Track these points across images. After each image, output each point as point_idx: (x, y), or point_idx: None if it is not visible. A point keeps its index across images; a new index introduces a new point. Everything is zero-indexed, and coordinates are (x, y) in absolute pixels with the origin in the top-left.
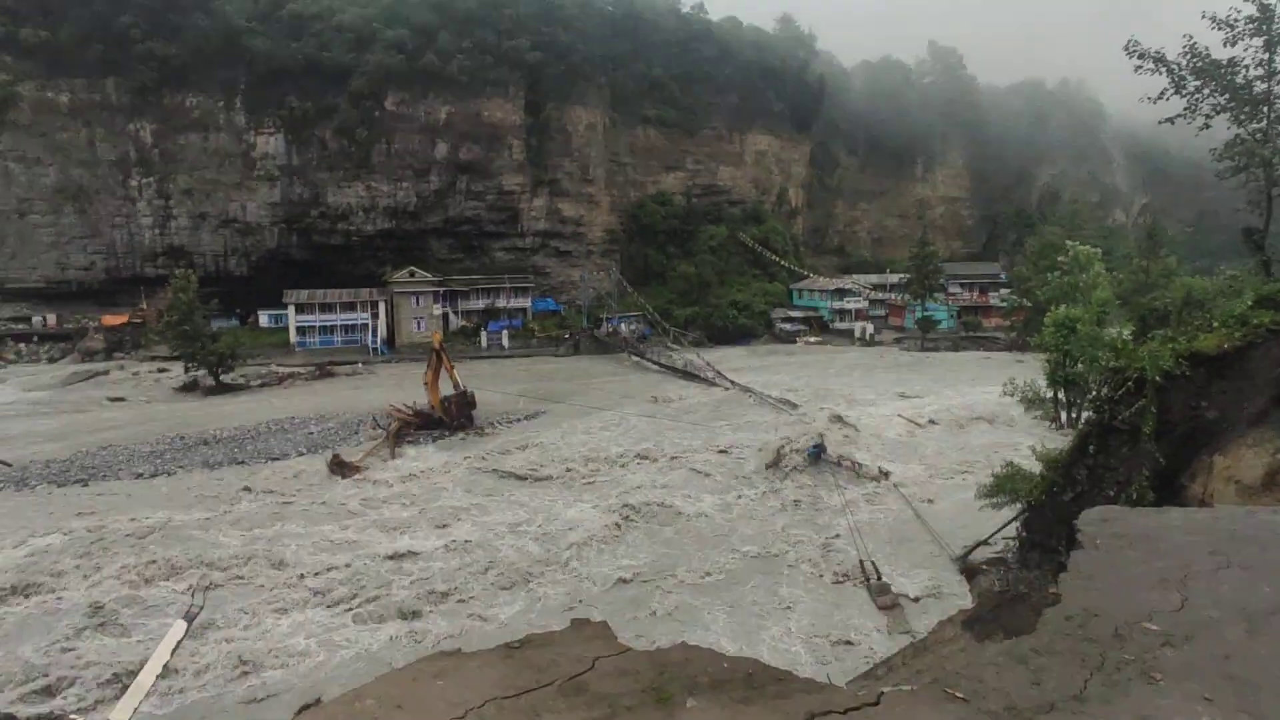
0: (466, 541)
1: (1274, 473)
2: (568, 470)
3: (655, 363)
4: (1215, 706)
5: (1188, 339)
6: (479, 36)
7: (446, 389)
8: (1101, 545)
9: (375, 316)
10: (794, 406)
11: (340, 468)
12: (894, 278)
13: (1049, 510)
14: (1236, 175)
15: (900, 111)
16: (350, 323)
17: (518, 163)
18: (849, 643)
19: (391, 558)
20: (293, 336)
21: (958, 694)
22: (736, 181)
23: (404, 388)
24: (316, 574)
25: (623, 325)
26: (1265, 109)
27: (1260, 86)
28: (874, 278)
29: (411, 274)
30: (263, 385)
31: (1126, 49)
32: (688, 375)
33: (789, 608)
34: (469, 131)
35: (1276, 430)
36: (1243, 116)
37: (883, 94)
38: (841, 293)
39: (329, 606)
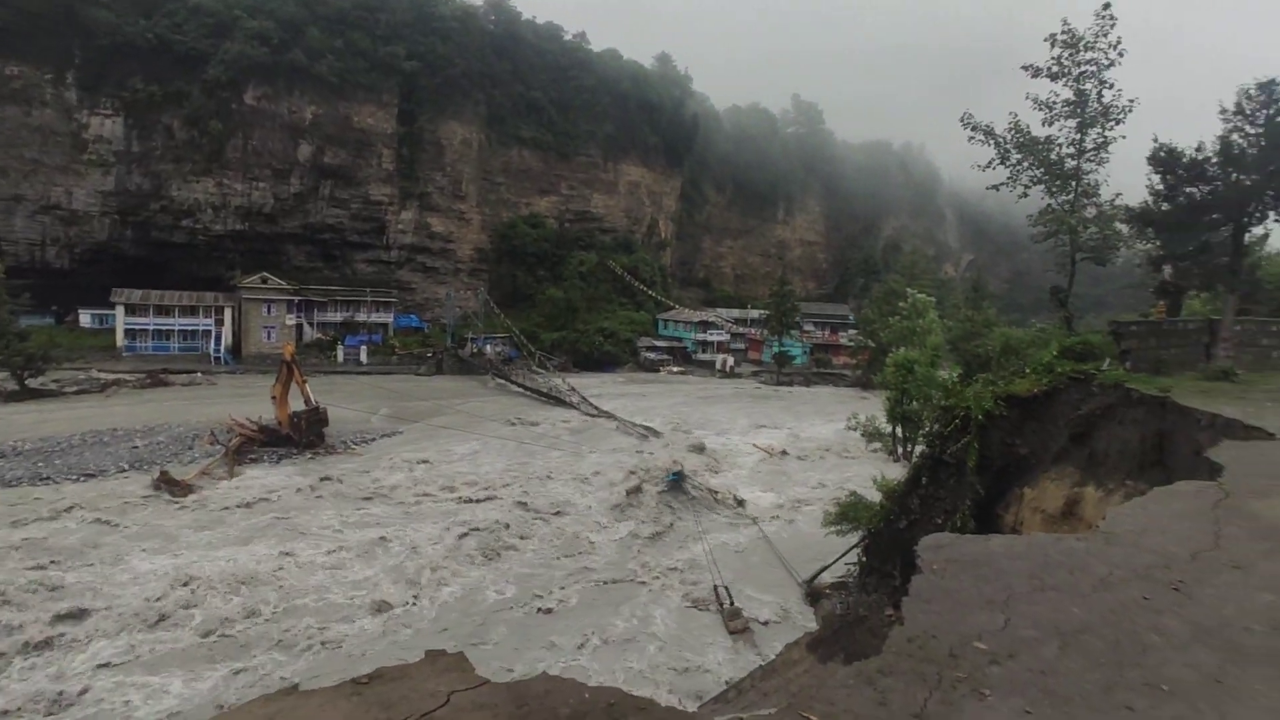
0: (310, 566)
1: (1072, 503)
2: (423, 493)
3: (520, 386)
4: (1034, 718)
5: (1005, 383)
6: (351, 38)
7: (298, 404)
8: (937, 570)
9: (220, 323)
10: (655, 434)
11: (169, 486)
12: (754, 313)
13: (886, 537)
14: (1047, 240)
15: (765, 157)
16: (190, 328)
17: (387, 172)
18: (704, 668)
19: (223, 585)
20: (120, 340)
21: (812, 716)
22: (609, 210)
23: (248, 401)
24: (129, 605)
25: (488, 346)
26: (1074, 183)
27: (1071, 163)
28: (736, 312)
29: (264, 280)
30: (81, 392)
31: (962, 121)
32: (552, 400)
33: (647, 634)
34: (336, 135)
35: (1074, 466)
36: (1055, 189)
37: (750, 138)
38: (705, 325)
39: (146, 643)
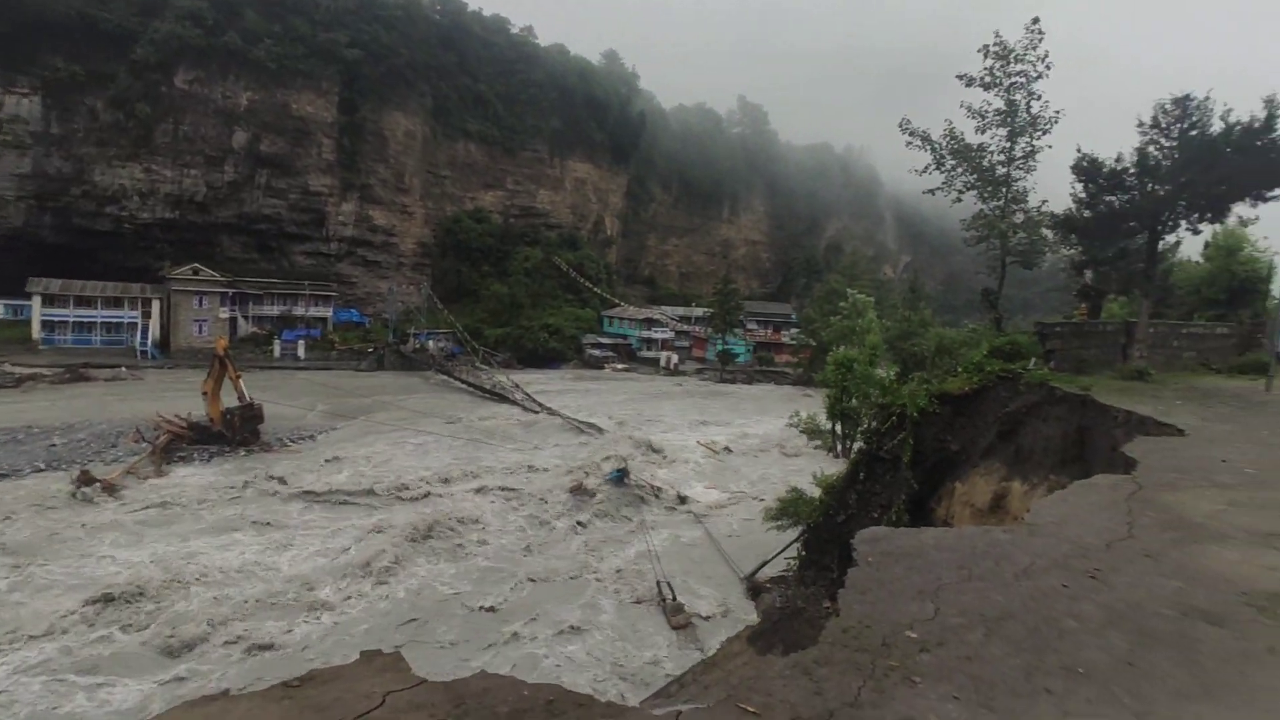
0: (243, 566)
1: (1000, 497)
2: (363, 490)
3: (463, 382)
4: (961, 703)
5: (939, 381)
6: (291, 23)
7: (231, 400)
8: (872, 562)
9: (147, 316)
10: (600, 431)
11: (90, 485)
12: (699, 311)
13: (825, 531)
14: (979, 243)
15: (711, 156)
16: (115, 320)
17: (327, 162)
18: (647, 662)
19: (147, 589)
20: (37, 331)
21: (749, 708)
22: (555, 206)
23: (178, 397)
24: (45, 611)
25: (431, 342)
26: (1004, 190)
27: (1001, 170)
28: (680, 310)
29: (195, 271)
30: None
31: (900, 126)
32: (496, 396)
33: (589, 630)
34: (274, 123)
35: (1002, 461)
36: (986, 194)
37: (696, 138)
38: (650, 322)
39: (63, 651)
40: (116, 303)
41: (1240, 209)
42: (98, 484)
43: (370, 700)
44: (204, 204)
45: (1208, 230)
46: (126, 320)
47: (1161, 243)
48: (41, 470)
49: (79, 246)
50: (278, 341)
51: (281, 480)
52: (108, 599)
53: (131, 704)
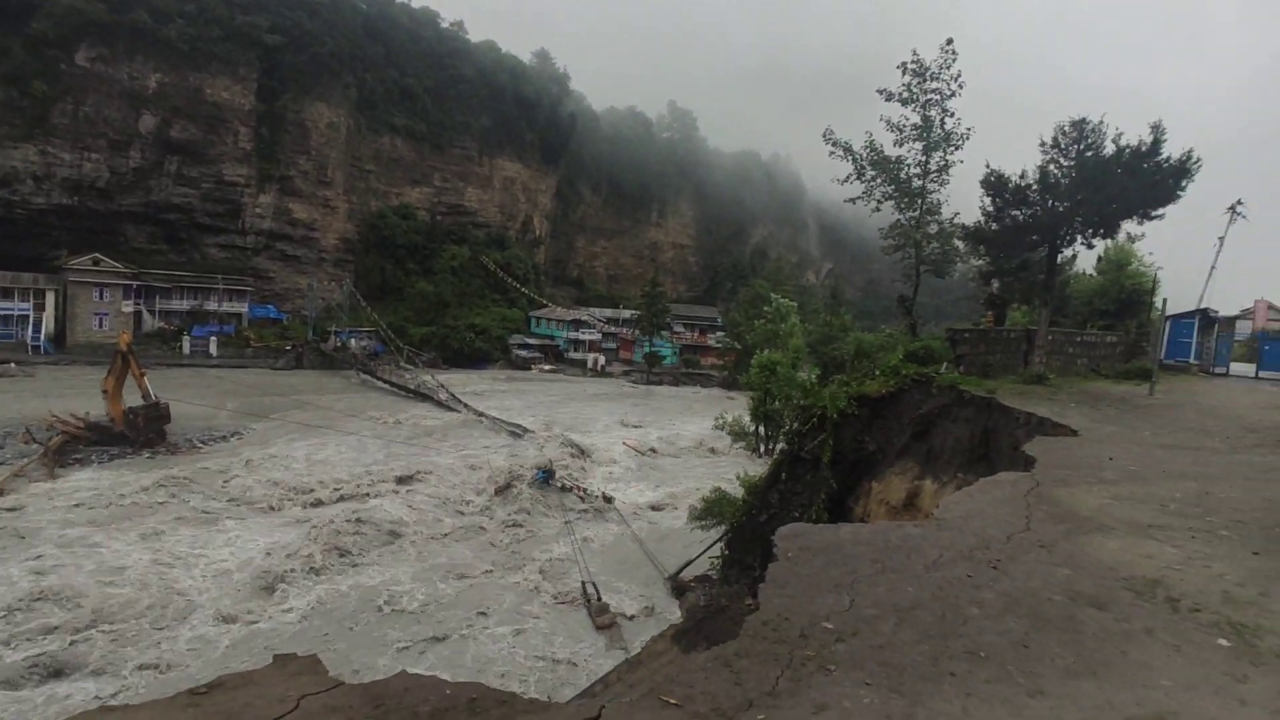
0: (145, 575)
1: (913, 495)
2: (280, 493)
3: (387, 382)
4: (872, 688)
5: (857, 384)
6: (206, 3)
7: (135, 399)
8: (792, 557)
9: (40, 308)
10: (526, 432)
11: None
12: (626, 313)
13: (748, 530)
14: (896, 252)
15: (640, 160)
16: (4, 313)
17: (244, 152)
18: (572, 663)
19: (32, 601)
20: None
21: (671, 700)
22: (483, 204)
23: (75, 395)
24: None
25: (353, 341)
26: (920, 201)
27: (918, 183)
28: (608, 312)
29: (95, 261)
30: None
31: (824, 136)
32: (420, 397)
33: (515, 631)
34: (185, 108)
35: (915, 460)
36: (903, 205)
37: (626, 141)
38: (577, 324)
39: None
40: (5, 293)
41: (1129, 226)
42: None
43: (284, 704)
44: (106, 190)
45: (1100, 245)
46: (17, 312)
47: (1060, 256)
48: None
49: None
50: (187, 338)
51: (189, 483)
52: None
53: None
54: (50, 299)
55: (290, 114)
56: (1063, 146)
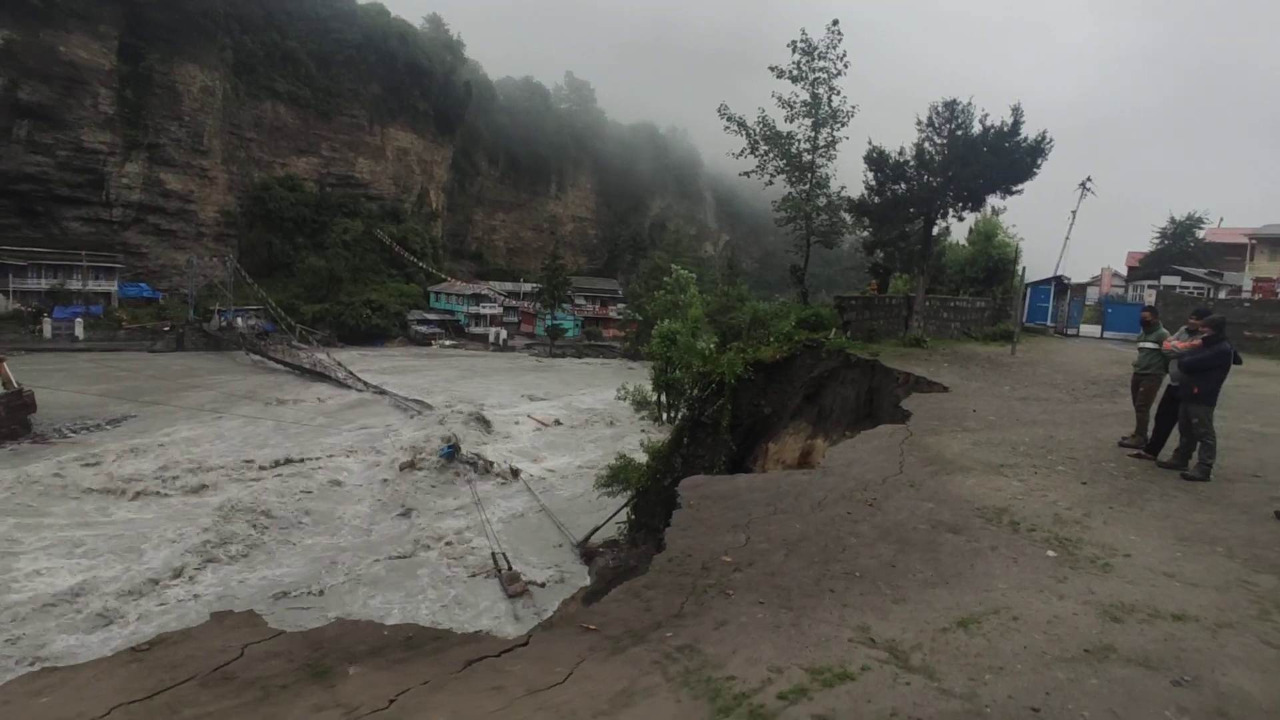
0: (14, 577)
1: (806, 453)
2: (172, 481)
3: (279, 362)
4: (765, 606)
5: (754, 350)
6: None
7: None
8: (694, 504)
9: None
10: (429, 408)
11: None
12: (527, 287)
13: (653, 494)
14: (788, 224)
15: (538, 131)
16: None
17: (105, 116)
18: (486, 630)
19: None
20: None
21: (590, 626)
22: (375, 176)
23: None
24: None
25: (239, 319)
26: (809, 175)
27: (807, 157)
28: (509, 285)
29: None
30: None
31: (719, 111)
32: (317, 376)
33: (427, 604)
34: (37, 67)
35: (807, 421)
36: (794, 179)
37: (523, 112)
38: (478, 298)
39: None
40: None
41: (994, 200)
42: None
43: (227, 654)
44: None
45: (970, 218)
46: None
47: (935, 227)
48: None
49: None
50: (49, 320)
51: (61, 476)
52: None
53: None
54: None
55: (158, 76)
56: (936, 125)
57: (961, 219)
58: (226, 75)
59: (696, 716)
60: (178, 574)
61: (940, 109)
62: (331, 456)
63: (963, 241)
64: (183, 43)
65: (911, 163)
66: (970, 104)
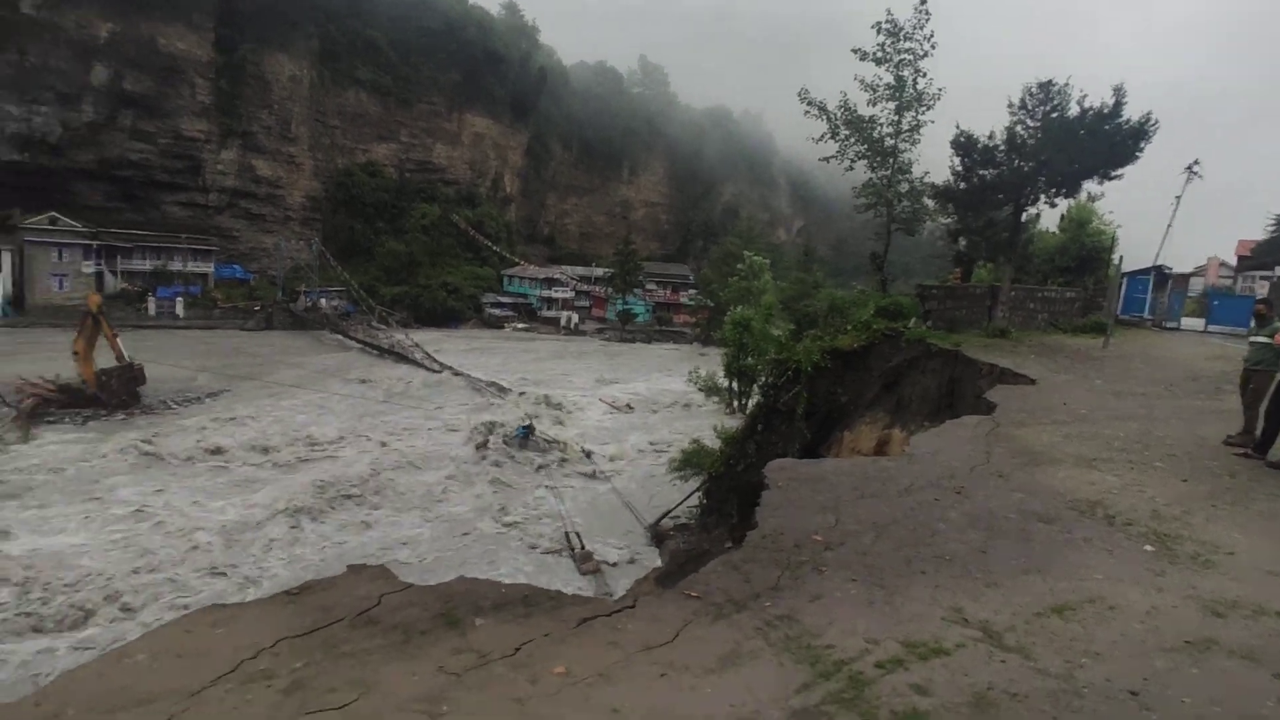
0: (137, 533)
1: (883, 443)
2: (260, 453)
3: (359, 341)
4: (857, 583)
5: (831, 338)
6: None
7: (107, 361)
8: (782, 486)
9: None
10: (503, 390)
11: None
12: (599, 271)
13: (726, 480)
14: (868, 210)
15: (612, 115)
16: None
17: (202, 105)
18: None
19: (22, 559)
20: None
21: (693, 593)
22: (452, 161)
23: (38, 358)
24: None
25: (323, 300)
26: (892, 160)
27: (890, 142)
28: (581, 270)
29: (53, 221)
30: None
31: (799, 96)
32: (395, 356)
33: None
34: (139, 58)
35: (885, 410)
36: (876, 164)
37: (597, 97)
38: (550, 282)
39: None
40: None
41: (1090, 185)
42: None
43: (368, 601)
44: (58, 146)
45: (1063, 204)
46: None
47: (1024, 214)
48: None
49: None
50: (152, 299)
51: (168, 445)
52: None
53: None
54: (6, 260)
55: (250, 66)
56: (1029, 108)
57: (1053, 205)
58: (313, 64)
59: (799, 679)
60: (267, 547)
61: (1034, 90)
62: (408, 433)
63: (1053, 229)
64: (272, 33)
65: (1002, 147)
66: (1067, 85)
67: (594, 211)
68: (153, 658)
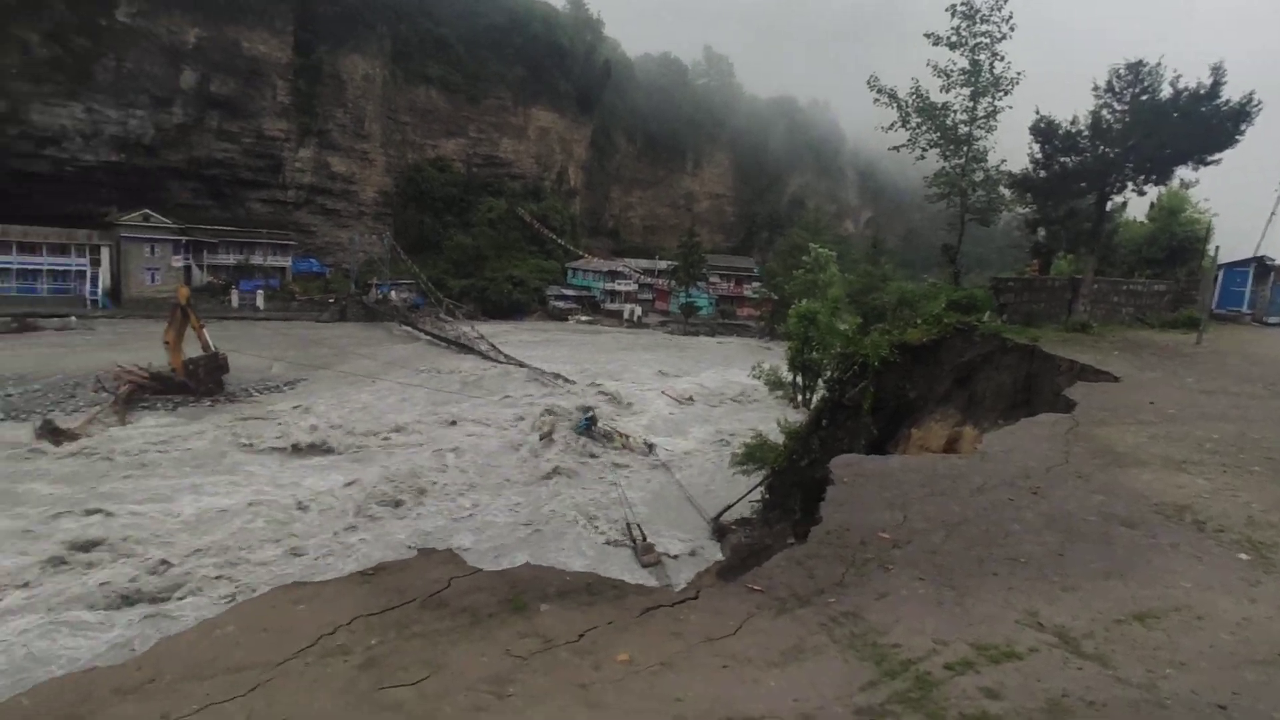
0: (224, 512)
1: (953, 441)
2: (333, 440)
3: (427, 333)
4: (926, 583)
5: (899, 332)
6: None
7: (193, 350)
8: (848, 482)
9: (96, 264)
10: (566, 381)
11: (53, 435)
12: (662, 264)
13: (789, 475)
14: (940, 201)
15: (676, 107)
16: (62, 268)
17: (282, 106)
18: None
19: (122, 535)
20: None
21: (756, 587)
22: (518, 155)
23: (134, 347)
24: (15, 558)
25: (393, 293)
26: (966, 148)
27: (964, 129)
28: (644, 263)
29: (146, 218)
30: None
31: (868, 83)
32: (461, 347)
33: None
34: (224, 62)
35: (956, 407)
36: (949, 152)
37: (661, 89)
38: (614, 275)
39: (57, 590)
40: (63, 250)
41: (1183, 172)
42: (62, 433)
43: (438, 584)
44: (152, 147)
45: (1152, 192)
46: (74, 268)
47: (1109, 203)
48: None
49: (15, 191)
50: (235, 291)
51: (250, 430)
52: (91, 545)
53: (118, 632)
54: (105, 255)
55: (326, 66)
56: (1117, 90)
57: (1142, 193)
58: (385, 63)
59: (864, 676)
60: (343, 529)
61: (1122, 72)
62: (475, 423)
63: (1141, 218)
64: (347, 34)
65: (1086, 132)
66: (1159, 66)
67: (658, 204)
68: (240, 630)
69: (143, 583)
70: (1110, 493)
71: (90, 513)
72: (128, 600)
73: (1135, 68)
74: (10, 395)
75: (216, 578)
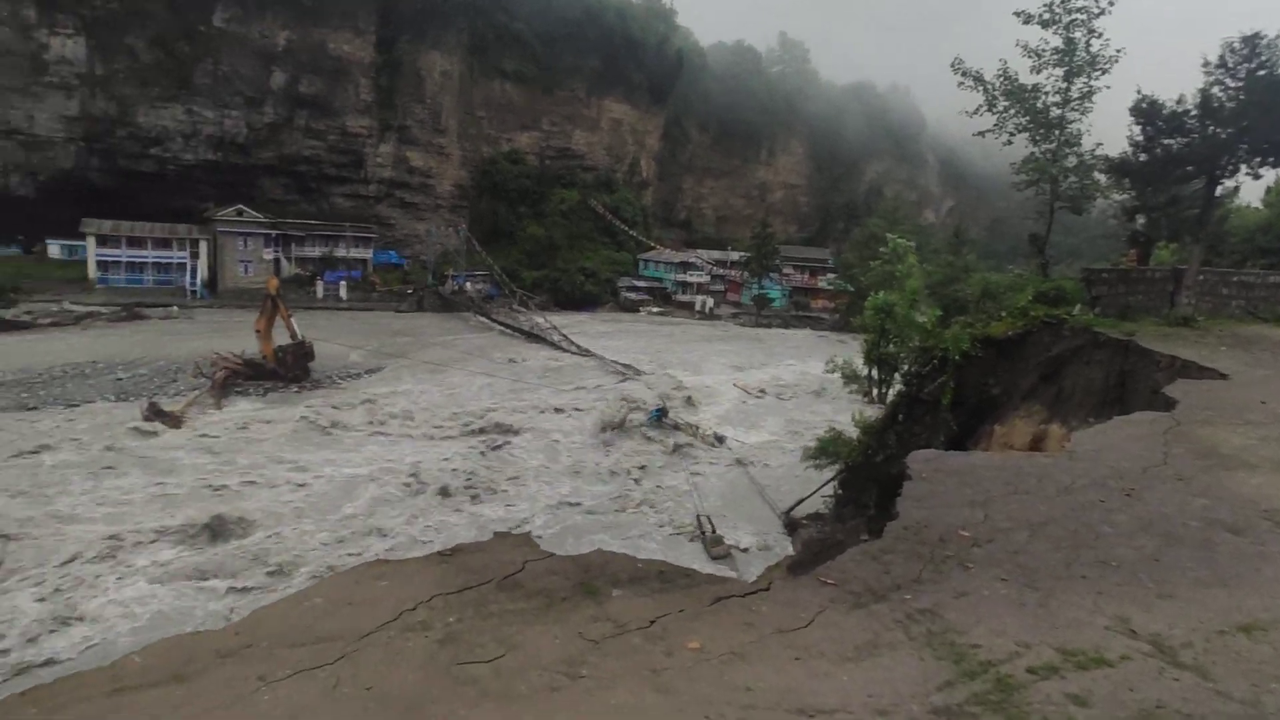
0: (321, 490)
1: (1039, 440)
2: (414, 425)
3: (501, 324)
4: (1008, 584)
5: (982, 325)
6: None
7: (281, 339)
8: (926, 477)
9: (195, 256)
10: (637, 372)
11: (159, 417)
12: (735, 255)
13: (863, 470)
14: (1029, 188)
15: (750, 96)
16: (165, 261)
17: (365, 103)
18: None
19: (228, 510)
20: (92, 271)
21: (829, 580)
22: (591, 147)
23: (228, 335)
24: (133, 527)
25: (469, 284)
26: (1058, 132)
27: (1056, 112)
28: (716, 254)
29: (239, 213)
30: (54, 324)
31: (952, 66)
32: (534, 338)
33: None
34: (311, 62)
35: (1042, 404)
36: (1039, 137)
37: (734, 77)
38: (685, 266)
39: (169, 559)
40: (165, 243)
41: None
42: (166, 414)
43: (512, 566)
44: (244, 145)
45: (1269, 175)
46: (176, 260)
47: (1219, 188)
48: (111, 401)
49: (123, 189)
50: (320, 282)
51: (335, 415)
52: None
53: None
54: (204, 248)
55: (406, 63)
56: (1230, 66)
57: (1257, 177)
58: (462, 58)
59: (941, 676)
60: (423, 510)
61: (1237, 46)
62: (545, 413)
63: (1256, 204)
64: (426, 31)
65: (1194, 112)
66: (1279, 39)
67: (731, 194)
68: (328, 602)
69: (239, 557)
70: (1214, 496)
71: (214, 488)
72: (224, 573)
73: (1251, 41)
74: (120, 379)
75: (302, 556)
